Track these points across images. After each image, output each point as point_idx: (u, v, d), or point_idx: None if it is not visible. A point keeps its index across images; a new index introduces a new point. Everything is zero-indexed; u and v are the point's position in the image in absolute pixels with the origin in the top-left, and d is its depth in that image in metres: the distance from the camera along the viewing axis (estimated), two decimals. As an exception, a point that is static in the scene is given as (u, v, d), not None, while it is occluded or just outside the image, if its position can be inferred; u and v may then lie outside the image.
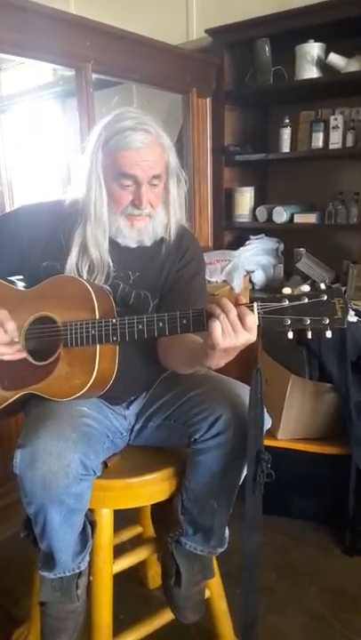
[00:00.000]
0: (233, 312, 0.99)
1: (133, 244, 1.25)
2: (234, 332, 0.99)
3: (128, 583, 1.64)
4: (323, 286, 0.99)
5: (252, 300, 2.69)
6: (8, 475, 2.00)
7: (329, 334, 0.98)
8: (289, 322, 0.99)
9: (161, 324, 1.08)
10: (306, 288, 0.99)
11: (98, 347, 1.14)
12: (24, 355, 1.20)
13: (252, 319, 0.99)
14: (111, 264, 1.24)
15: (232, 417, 1.14)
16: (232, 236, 2.88)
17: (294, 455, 1.96)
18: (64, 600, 1.21)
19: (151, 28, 2.33)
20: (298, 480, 1.98)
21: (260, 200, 2.84)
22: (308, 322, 0.98)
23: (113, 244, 1.25)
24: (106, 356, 1.16)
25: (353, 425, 1.85)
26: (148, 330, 1.09)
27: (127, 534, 1.66)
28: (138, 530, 1.69)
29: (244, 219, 2.79)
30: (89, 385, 1.13)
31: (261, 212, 2.70)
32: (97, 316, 1.14)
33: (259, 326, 1.00)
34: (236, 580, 1.62)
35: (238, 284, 2.43)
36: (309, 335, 0.99)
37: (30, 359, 1.21)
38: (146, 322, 1.09)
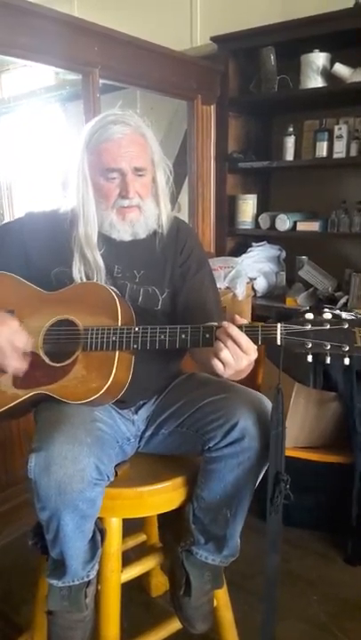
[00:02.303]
0: (229, 339, 1.03)
1: (128, 237, 1.28)
2: (235, 360, 1.04)
3: (131, 591, 1.63)
4: (345, 315, 1.03)
5: (254, 308, 2.68)
6: (9, 480, 2.02)
7: (347, 361, 1.02)
8: (310, 345, 1.02)
9: (183, 336, 1.10)
10: (328, 315, 1.03)
11: (117, 353, 1.14)
12: (25, 367, 1.21)
13: (247, 341, 1.03)
14: (102, 263, 1.26)
15: (248, 425, 1.14)
16: (234, 242, 2.89)
17: (297, 463, 1.95)
18: (72, 609, 1.20)
19: (154, 34, 2.34)
20: (300, 488, 1.97)
21: (262, 207, 2.85)
22: (329, 347, 1.01)
23: (110, 242, 1.28)
24: (123, 364, 1.17)
25: (357, 434, 1.85)
26: (170, 341, 1.11)
27: (131, 542, 1.65)
28: (142, 538, 1.68)
29: (247, 225, 2.80)
30: (104, 389, 1.13)
31: (264, 220, 2.71)
32: (119, 324, 1.15)
33: (281, 346, 1.04)
34: (240, 588, 1.62)
35: (241, 291, 2.43)
36: (328, 360, 1.02)
37: (47, 360, 1.21)
38: (168, 332, 1.11)
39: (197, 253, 1.37)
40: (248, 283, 2.56)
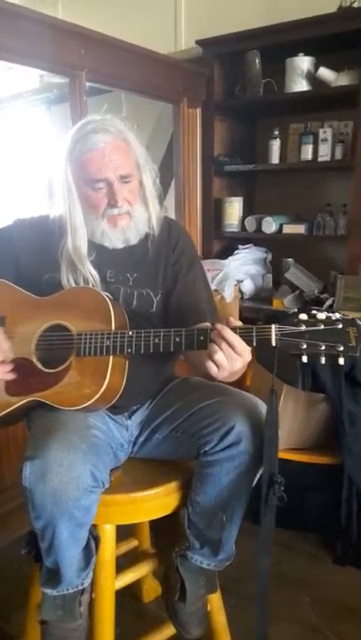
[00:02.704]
0: (223, 342, 1.04)
1: (120, 245, 1.27)
2: (228, 362, 1.04)
3: (122, 597, 1.62)
4: (337, 315, 1.03)
5: (241, 310, 2.69)
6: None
7: (342, 361, 1.02)
8: (305, 346, 1.02)
9: (178, 339, 1.09)
10: (322, 316, 1.03)
11: (111, 358, 1.13)
12: (12, 377, 1.20)
13: (241, 343, 1.04)
14: (95, 273, 1.25)
15: (245, 429, 1.14)
16: (220, 245, 2.89)
17: (286, 464, 1.96)
18: (66, 618, 1.19)
19: (139, 37, 2.33)
20: (289, 490, 1.98)
21: (248, 210, 2.86)
22: (323, 347, 1.01)
23: (102, 250, 1.27)
24: (117, 369, 1.16)
25: (345, 435, 1.86)
26: (165, 344, 1.10)
27: (123, 548, 1.64)
28: (134, 543, 1.67)
29: (233, 228, 2.81)
30: (98, 395, 1.12)
31: (250, 223, 2.72)
32: (113, 328, 1.15)
33: (275, 347, 1.04)
34: (232, 591, 1.62)
35: (230, 293, 2.44)
36: (323, 361, 1.03)
37: (40, 366, 1.20)
38: (162, 336, 1.10)
39: (189, 252, 1.38)
40: (235, 285, 2.57)
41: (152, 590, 1.75)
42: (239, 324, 1.07)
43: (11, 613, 1.67)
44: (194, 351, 1.13)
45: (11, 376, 1.20)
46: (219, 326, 1.05)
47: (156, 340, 1.10)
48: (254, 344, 1.05)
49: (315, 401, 1.94)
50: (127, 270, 1.29)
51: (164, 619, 1.39)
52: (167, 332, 1.10)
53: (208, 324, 1.17)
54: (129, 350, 1.12)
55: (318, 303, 2.48)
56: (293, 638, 1.61)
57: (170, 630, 1.39)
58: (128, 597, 1.72)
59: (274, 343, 1.03)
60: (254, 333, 1.05)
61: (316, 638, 1.61)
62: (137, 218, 1.26)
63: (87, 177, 1.20)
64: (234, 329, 1.05)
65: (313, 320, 1.02)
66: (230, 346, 1.04)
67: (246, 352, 1.05)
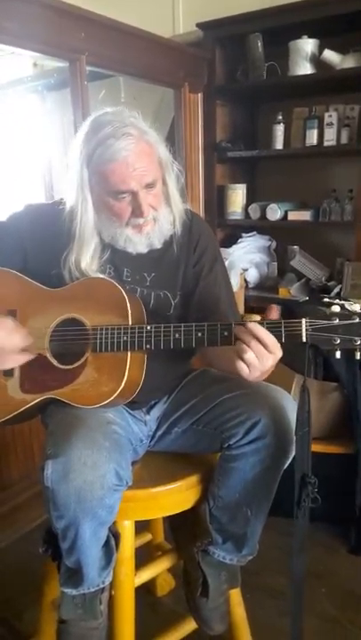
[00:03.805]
0: (253, 339, 0.99)
1: (144, 250, 1.21)
2: (260, 361, 0.99)
3: (136, 592, 1.60)
4: None
5: (247, 299, 2.64)
6: (5, 482, 1.96)
7: None
8: (338, 341, 0.98)
9: (200, 335, 1.05)
10: (356, 307, 0.98)
11: (129, 354, 1.09)
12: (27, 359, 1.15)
13: (273, 340, 0.99)
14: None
15: (271, 422, 1.11)
16: (224, 233, 2.85)
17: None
18: (87, 617, 1.16)
19: (136, 20, 2.26)
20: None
21: (251, 197, 2.81)
22: (359, 342, 0.97)
23: (123, 253, 1.21)
24: (135, 364, 1.12)
25: (360, 424, 1.84)
26: (186, 339, 1.06)
27: (137, 542, 1.60)
28: (148, 537, 1.64)
29: (237, 216, 2.76)
30: (117, 393, 1.08)
31: (254, 210, 2.68)
32: (130, 323, 1.10)
33: (306, 343, 1.00)
34: (247, 584, 1.59)
35: (235, 282, 2.40)
36: (358, 356, 0.98)
37: (55, 362, 1.15)
38: (184, 331, 1.06)
39: (211, 250, 1.31)
40: (240, 274, 2.53)
41: (166, 584, 1.73)
42: (258, 317, 1.03)
43: (22, 610, 1.64)
44: (218, 354, 1.10)
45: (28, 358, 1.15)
46: (247, 322, 1.00)
47: (177, 336, 1.06)
48: (283, 340, 1.01)
49: (327, 390, 1.91)
50: (145, 270, 1.23)
51: (179, 613, 1.37)
52: (188, 326, 1.06)
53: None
54: (148, 346, 1.08)
55: (325, 291, 2.45)
56: (314, 631, 1.59)
57: (187, 625, 1.37)
58: (142, 591, 1.68)
59: (304, 339, 0.99)
60: (283, 328, 1.01)
61: (335, 630, 1.60)
62: (161, 221, 1.20)
63: (109, 188, 1.12)
64: (260, 323, 1.01)
65: (347, 312, 0.97)
66: (261, 342, 0.98)
67: (278, 348, 0.99)
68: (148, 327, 1.08)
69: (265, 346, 0.98)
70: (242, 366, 1.00)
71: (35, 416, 1.24)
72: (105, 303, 1.13)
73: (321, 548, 1.93)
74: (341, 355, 0.98)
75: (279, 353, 1.00)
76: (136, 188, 1.12)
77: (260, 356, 0.99)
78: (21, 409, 1.16)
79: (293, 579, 1.20)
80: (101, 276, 1.18)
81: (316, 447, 1.94)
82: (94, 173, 1.13)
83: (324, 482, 1.95)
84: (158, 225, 1.20)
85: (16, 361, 1.14)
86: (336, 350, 0.98)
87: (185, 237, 1.28)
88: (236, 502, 1.18)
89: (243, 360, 0.99)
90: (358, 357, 0.98)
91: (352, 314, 0.97)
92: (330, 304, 0.99)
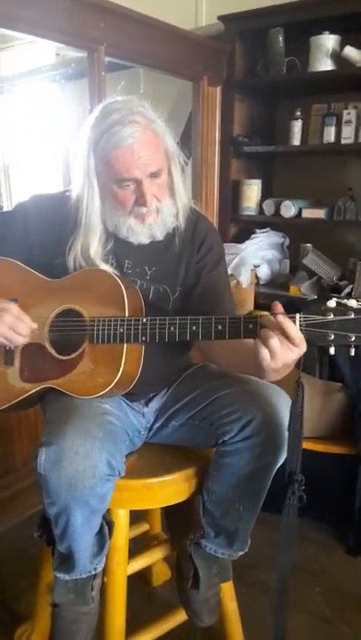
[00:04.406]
0: (278, 332, 0.96)
1: (146, 240, 1.21)
2: (283, 352, 0.96)
3: (132, 580, 1.62)
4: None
5: (257, 295, 2.63)
6: (8, 467, 1.99)
7: None
8: (333, 337, 0.95)
9: (194, 328, 1.04)
10: (353, 303, 0.96)
11: (125, 345, 1.10)
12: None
13: (300, 334, 0.96)
14: (109, 269, 1.20)
15: (266, 420, 1.11)
16: (237, 229, 2.84)
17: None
18: (78, 602, 1.18)
19: (158, 12, 2.26)
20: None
21: (266, 193, 2.79)
22: (353, 339, 0.94)
23: (125, 244, 1.21)
24: (132, 356, 1.12)
25: (363, 425, 1.83)
26: (180, 333, 1.06)
27: (134, 532, 1.62)
28: (145, 527, 1.66)
29: (251, 212, 2.74)
30: (113, 384, 1.09)
31: (269, 206, 2.66)
32: (127, 314, 1.10)
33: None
34: (240, 579, 1.60)
35: (246, 278, 2.39)
36: (352, 352, 0.96)
37: (54, 352, 1.17)
38: (178, 324, 1.06)
39: (215, 251, 1.30)
40: (252, 270, 2.52)
41: (162, 574, 1.74)
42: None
43: (21, 593, 1.67)
44: (228, 350, 1.09)
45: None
46: (279, 317, 0.96)
47: (172, 329, 1.06)
48: None
49: (331, 390, 1.90)
50: (146, 263, 1.24)
51: (173, 603, 1.38)
52: (183, 319, 1.06)
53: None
54: (143, 338, 1.08)
55: (336, 290, 2.43)
56: (305, 629, 1.60)
57: (180, 616, 1.38)
58: (138, 580, 1.71)
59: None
60: None
61: (327, 629, 1.60)
62: (165, 213, 1.20)
63: (114, 175, 1.12)
64: (255, 317, 1.00)
65: (343, 308, 0.95)
66: (286, 335, 0.95)
67: (303, 343, 0.97)
68: (144, 319, 1.08)
69: (290, 339, 0.95)
70: (264, 353, 0.96)
71: (35, 404, 1.25)
72: (103, 295, 1.13)
73: (318, 547, 1.93)
74: (336, 351, 0.97)
75: (303, 348, 0.97)
76: (140, 176, 1.12)
77: (284, 346, 0.96)
78: (21, 397, 1.18)
79: (279, 575, 1.20)
80: (102, 267, 1.19)
81: (318, 447, 1.94)
82: (100, 160, 1.13)
83: (324, 481, 1.97)
84: (161, 216, 1.19)
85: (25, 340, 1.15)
86: (330, 347, 0.96)
87: (189, 233, 1.27)
88: (229, 498, 1.19)
89: (267, 346, 0.96)
90: (353, 354, 0.96)
91: (348, 309, 0.95)
92: (328, 299, 0.97)
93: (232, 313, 1.26)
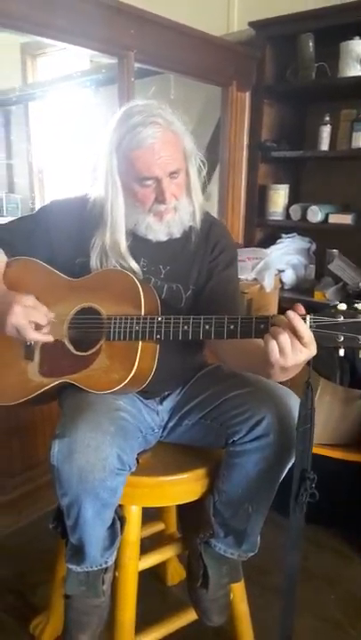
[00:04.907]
0: (289, 330, 0.96)
1: (164, 238, 1.25)
2: (292, 351, 0.96)
3: (146, 579, 1.64)
4: None
5: (281, 300, 2.63)
6: (31, 462, 2.04)
7: None
8: (342, 339, 0.96)
9: (207, 327, 1.07)
10: None
11: (140, 343, 1.12)
12: (50, 339, 1.19)
13: (311, 334, 0.96)
14: (136, 267, 1.24)
15: (275, 421, 1.12)
16: (263, 233, 2.84)
17: (317, 459, 1.92)
18: (89, 594, 1.21)
19: (191, 19, 2.29)
20: (319, 485, 1.95)
21: (294, 198, 2.79)
22: None
23: (143, 241, 1.25)
24: (146, 354, 1.15)
25: (383, 433, 1.82)
26: (194, 332, 1.08)
27: (149, 530, 1.65)
28: (160, 526, 1.68)
29: (277, 216, 2.74)
30: (127, 381, 1.12)
31: (295, 211, 2.66)
32: (142, 313, 1.13)
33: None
34: (256, 582, 1.61)
35: (269, 283, 2.39)
36: None
37: (71, 349, 1.20)
38: (192, 323, 1.08)
39: (228, 253, 1.33)
40: (276, 275, 2.52)
41: (177, 574, 1.76)
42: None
43: (37, 585, 1.71)
44: (237, 349, 1.10)
45: (51, 338, 1.19)
46: (290, 314, 0.97)
47: (185, 327, 1.08)
48: None
49: (352, 397, 1.89)
50: (160, 262, 1.27)
51: (186, 603, 1.39)
52: (196, 319, 1.08)
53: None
54: (158, 336, 1.10)
55: (361, 296, 2.41)
56: (315, 633, 1.59)
57: (191, 615, 1.40)
58: (153, 579, 1.74)
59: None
60: None
61: (338, 635, 1.59)
62: (182, 211, 1.24)
63: (135, 174, 1.17)
64: (265, 317, 1.01)
65: (352, 311, 0.96)
66: (296, 335, 0.96)
67: (313, 344, 0.97)
68: (159, 318, 1.11)
69: (299, 337, 0.96)
70: (273, 347, 0.96)
71: (54, 399, 1.29)
72: (121, 294, 1.17)
73: (334, 553, 1.92)
74: (345, 353, 0.97)
75: (313, 349, 0.98)
76: (160, 175, 1.16)
77: (294, 345, 0.96)
78: (39, 391, 1.21)
79: (286, 573, 1.20)
80: (131, 264, 1.23)
81: (337, 454, 1.93)
82: (123, 159, 1.17)
83: (342, 488, 1.95)
84: (179, 215, 1.23)
85: (34, 337, 1.17)
86: (340, 348, 0.97)
87: (204, 234, 1.30)
88: (239, 498, 1.19)
89: (276, 341, 0.96)
90: (361, 356, 0.96)
91: (358, 312, 0.95)
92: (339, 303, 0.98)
93: (241, 314, 1.28)
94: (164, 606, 1.63)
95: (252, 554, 1.29)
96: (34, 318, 1.15)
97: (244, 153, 2.70)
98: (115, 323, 1.14)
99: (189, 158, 1.22)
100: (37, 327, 1.17)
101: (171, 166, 1.16)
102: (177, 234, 1.25)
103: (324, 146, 2.55)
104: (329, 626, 1.62)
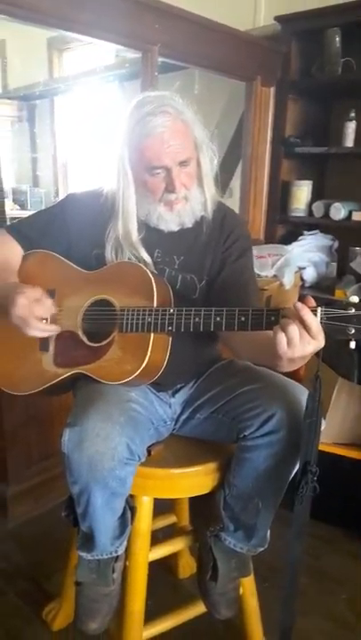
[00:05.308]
0: (298, 321, 0.96)
1: (175, 228, 1.25)
2: (300, 342, 0.96)
3: (158, 571, 1.65)
4: None
5: (301, 297, 2.61)
6: (47, 452, 2.07)
7: None
8: (353, 331, 0.96)
9: (218, 319, 1.07)
10: None
11: (152, 335, 1.13)
12: (54, 331, 1.20)
13: (319, 326, 0.96)
14: (147, 257, 1.24)
15: (286, 417, 1.12)
16: (285, 230, 2.82)
17: (333, 459, 1.91)
18: (100, 582, 1.23)
19: (217, 13, 2.28)
20: (334, 484, 1.94)
21: (317, 195, 2.76)
22: None
23: (155, 232, 1.26)
24: (158, 346, 1.16)
25: None
26: (205, 323, 1.08)
27: (161, 522, 1.66)
28: (172, 519, 1.68)
29: (300, 213, 2.72)
30: (138, 372, 1.13)
31: (318, 208, 2.63)
32: (155, 304, 1.14)
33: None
34: (266, 577, 1.60)
35: (289, 280, 2.38)
36: None
37: (85, 340, 1.22)
38: (203, 315, 1.08)
39: (242, 242, 1.33)
40: (296, 272, 2.50)
41: (188, 567, 1.77)
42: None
43: (52, 573, 1.74)
44: (248, 341, 1.10)
45: (54, 330, 1.21)
46: (298, 305, 0.97)
47: (197, 319, 1.08)
48: None
49: (370, 396, 1.87)
50: (174, 252, 1.28)
51: (196, 596, 1.40)
52: (208, 310, 1.08)
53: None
54: (170, 328, 1.11)
55: (383, 295, 2.37)
56: (324, 633, 1.58)
57: (200, 608, 1.40)
58: (164, 571, 1.75)
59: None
60: None
61: (347, 636, 1.58)
62: (193, 201, 1.24)
63: (145, 163, 1.17)
64: (276, 310, 1.01)
65: None
66: (305, 325, 0.95)
67: (321, 336, 0.97)
68: (171, 310, 1.11)
69: (308, 328, 0.96)
70: (282, 339, 0.96)
71: (68, 390, 1.31)
72: (134, 286, 1.18)
73: (346, 554, 1.90)
74: (357, 345, 0.97)
75: (322, 341, 0.97)
76: (170, 164, 1.16)
77: (303, 337, 0.96)
78: (54, 381, 1.23)
79: (289, 566, 1.21)
80: (142, 254, 1.24)
81: (353, 454, 1.91)
82: (133, 149, 1.18)
83: (357, 489, 1.93)
84: (190, 204, 1.23)
85: (40, 330, 1.17)
86: (351, 341, 0.96)
87: (217, 223, 1.30)
88: (249, 493, 1.20)
89: (285, 332, 0.96)
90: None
91: None
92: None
93: (255, 304, 1.27)
94: (174, 598, 1.64)
95: (262, 549, 1.29)
96: (36, 311, 1.16)
97: (268, 148, 2.69)
98: (127, 314, 1.15)
99: (200, 148, 1.22)
100: (37, 320, 1.16)
101: (180, 155, 1.17)
102: (188, 224, 1.26)
103: (349, 142, 2.53)
104: (339, 626, 1.61)
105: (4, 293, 1.20)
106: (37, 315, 1.16)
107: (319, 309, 0.97)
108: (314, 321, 0.95)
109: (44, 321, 1.18)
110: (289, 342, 0.96)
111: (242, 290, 1.28)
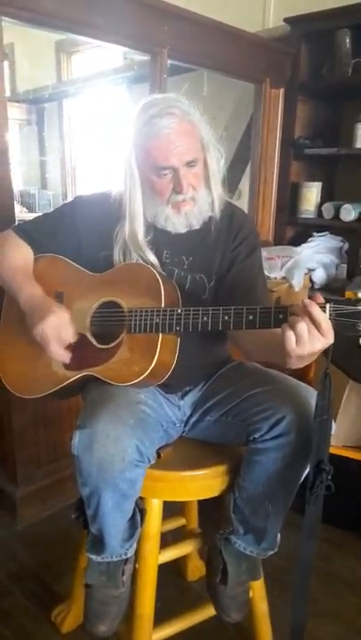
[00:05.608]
0: (307, 318, 0.95)
1: (183, 229, 1.25)
2: (309, 339, 0.95)
3: (167, 573, 1.65)
4: None
5: (310, 296, 2.60)
6: (57, 453, 2.07)
7: None
8: None
9: (226, 318, 1.07)
10: None
11: (160, 336, 1.13)
12: (65, 360, 1.21)
13: (328, 322, 0.96)
14: (153, 258, 1.24)
15: (296, 420, 1.11)
16: (294, 231, 2.81)
17: (343, 462, 1.90)
18: (109, 585, 1.22)
19: (226, 14, 2.29)
20: (344, 488, 1.92)
21: (326, 196, 2.75)
22: None
23: (164, 233, 1.26)
24: (167, 347, 1.15)
25: None
26: (213, 322, 1.08)
27: (170, 525, 1.65)
28: (181, 522, 1.68)
29: (309, 214, 2.71)
30: (147, 373, 1.12)
31: (328, 209, 2.62)
32: (162, 305, 1.14)
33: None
34: (276, 581, 1.60)
35: (298, 281, 2.37)
36: None
37: (94, 342, 1.22)
38: (211, 314, 1.08)
39: (250, 241, 1.33)
40: (306, 274, 2.49)
41: (197, 570, 1.76)
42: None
43: (62, 574, 1.74)
44: (256, 340, 1.10)
45: (67, 359, 1.21)
46: (305, 301, 0.97)
47: (205, 319, 1.08)
48: None
49: (381, 398, 1.85)
50: (183, 253, 1.28)
51: (206, 599, 1.39)
52: (216, 309, 1.08)
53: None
54: (177, 328, 1.11)
55: (394, 297, 2.36)
56: (334, 636, 1.57)
57: (210, 611, 1.40)
58: (173, 574, 1.74)
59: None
60: None
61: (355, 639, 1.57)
62: (200, 202, 1.24)
63: (152, 164, 1.18)
64: (285, 307, 1.01)
65: None
66: (314, 322, 0.95)
67: (331, 333, 0.96)
68: (179, 310, 1.11)
69: (317, 324, 0.95)
70: (290, 336, 0.96)
71: (77, 393, 1.31)
72: (141, 287, 1.18)
73: (356, 557, 1.89)
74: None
75: (331, 338, 0.97)
76: (177, 164, 1.16)
77: (311, 334, 0.96)
78: (63, 384, 1.23)
79: (300, 567, 1.20)
80: (148, 255, 1.24)
81: (362, 456, 1.90)
82: (140, 150, 1.19)
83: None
84: (197, 206, 1.23)
85: (59, 355, 1.19)
86: (360, 337, 0.96)
87: (225, 223, 1.30)
88: (259, 496, 1.19)
89: (294, 330, 0.96)
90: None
91: None
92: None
93: (264, 302, 1.26)
94: (183, 601, 1.63)
95: (272, 552, 1.28)
96: (63, 335, 1.18)
97: (277, 149, 2.68)
98: (135, 315, 1.15)
99: (207, 148, 1.22)
100: (60, 343, 1.19)
101: (187, 156, 1.17)
102: (196, 225, 1.26)
103: (360, 143, 2.51)
104: (350, 630, 1.60)
105: (33, 302, 1.22)
106: (63, 338, 1.18)
107: (328, 306, 0.97)
108: (323, 317, 0.95)
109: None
110: (298, 340, 0.96)
111: (251, 288, 1.27)
